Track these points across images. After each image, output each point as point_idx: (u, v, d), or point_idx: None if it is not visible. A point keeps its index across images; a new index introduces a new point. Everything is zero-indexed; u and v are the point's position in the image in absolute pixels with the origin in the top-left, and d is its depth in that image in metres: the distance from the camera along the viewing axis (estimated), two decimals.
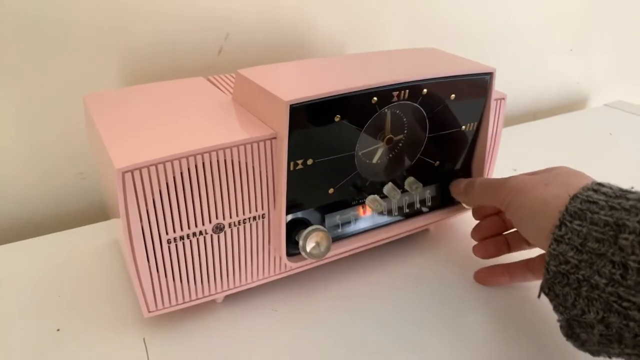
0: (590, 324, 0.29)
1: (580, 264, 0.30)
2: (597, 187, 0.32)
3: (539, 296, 0.33)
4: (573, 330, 0.31)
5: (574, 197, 0.31)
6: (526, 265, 0.41)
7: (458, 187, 0.44)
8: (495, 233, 0.43)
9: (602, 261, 0.29)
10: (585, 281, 0.29)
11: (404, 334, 0.38)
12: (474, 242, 0.45)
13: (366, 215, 0.42)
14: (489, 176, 0.48)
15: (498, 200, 0.38)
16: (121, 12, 0.50)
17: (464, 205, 0.45)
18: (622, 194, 0.31)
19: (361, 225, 0.42)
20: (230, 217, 0.36)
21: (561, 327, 0.32)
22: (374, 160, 0.40)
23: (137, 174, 0.31)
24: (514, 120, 0.84)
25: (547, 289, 0.32)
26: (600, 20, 0.88)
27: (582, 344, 0.31)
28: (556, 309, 0.32)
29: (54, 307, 0.40)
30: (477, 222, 0.45)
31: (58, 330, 0.38)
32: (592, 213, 0.30)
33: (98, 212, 0.56)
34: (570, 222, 0.31)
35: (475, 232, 0.44)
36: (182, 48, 0.55)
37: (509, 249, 0.43)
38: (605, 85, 0.97)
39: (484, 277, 0.43)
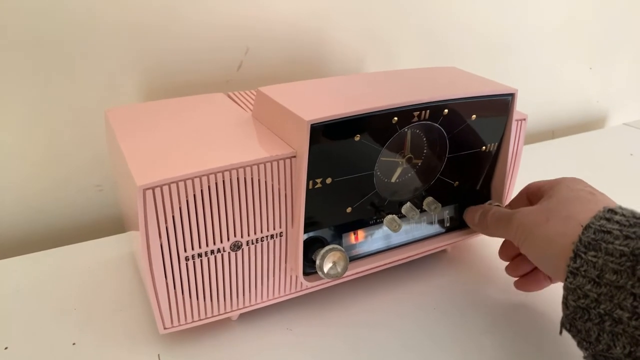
0: (618, 358, 0.28)
1: (599, 298, 0.29)
2: (610, 216, 0.31)
3: (560, 333, 0.32)
4: None
5: (587, 227, 0.31)
6: None
7: (472, 218, 0.43)
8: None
9: (622, 294, 0.28)
10: (607, 315, 0.29)
11: (422, 356, 0.37)
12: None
13: (383, 235, 0.42)
14: (509, 196, 0.47)
15: (510, 237, 0.38)
16: (142, 25, 0.51)
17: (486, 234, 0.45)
18: (637, 222, 0.30)
19: (378, 245, 0.42)
20: (248, 235, 0.35)
21: None
22: (393, 180, 0.40)
23: (157, 191, 0.31)
24: (532, 138, 0.84)
25: (568, 325, 0.31)
26: (620, 38, 0.87)
27: None
28: (580, 344, 0.31)
29: (69, 320, 0.40)
30: (502, 241, 0.43)
31: (74, 344, 0.38)
32: (606, 243, 0.29)
33: (115, 225, 0.56)
34: (585, 253, 0.30)
35: (502, 251, 0.43)
36: (202, 62, 0.55)
37: None
38: (624, 104, 0.96)
39: (526, 284, 0.42)
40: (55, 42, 0.48)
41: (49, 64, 0.48)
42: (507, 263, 0.43)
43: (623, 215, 0.31)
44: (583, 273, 0.30)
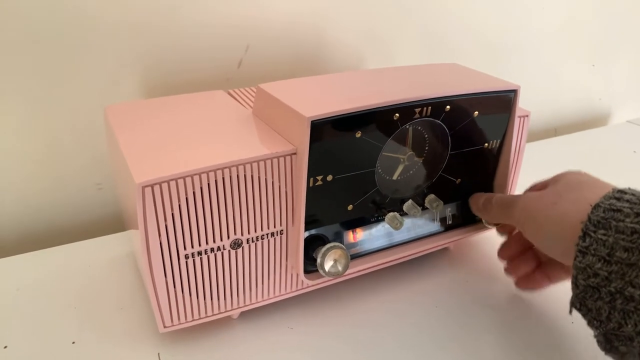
0: (629, 336, 0.28)
1: (610, 276, 0.28)
2: (620, 195, 0.31)
3: (570, 312, 0.31)
4: (612, 344, 0.30)
5: (596, 206, 0.30)
6: (561, 266, 0.40)
7: (477, 202, 0.43)
8: (522, 248, 0.42)
9: (633, 271, 0.28)
10: (618, 293, 0.28)
11: (422, 355, 0.37)
12: (494, 262, 0.43)
13: (385, 233, 0.42)
14: (511, 193, 0.47)
15: (513, 220, 0.38)
16: (142, 22, 0.51)
17: (485, 224, 0.44)
18: None
19: (380, 242, 0.42)
20: (249, 233, 0.35)
21: (598, 341, 0.31)
22: (395, 177, 0.39)
23: (157, 188, 0.31)
24: (534, 135, 0.83)
25: (578, 304, 0.31)
26: (623, 35, 0.86)
27: (621, 357, 0.30)
28: (590, 323, 0.31)
29: (69, 319, 0.40)
30: (503, 241, 0.43)
31: (73, 343, 0.38)
32: (617, 221, 0.29)
33: (115, 223, 0.56)
34: (594, 231, 0.29)
35: (502, 251, 0.43)
36: (203, 60, 0.55)
37: (540, 262, 0.41)
38: (628, 102, 0.95)
39: (526, 284, 0.42)
40: (56, 41, 0.48)
41: (49, 63, 0.48)
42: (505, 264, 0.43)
43: (633, 194, 0.30)
44: (593, 252, 0.29)
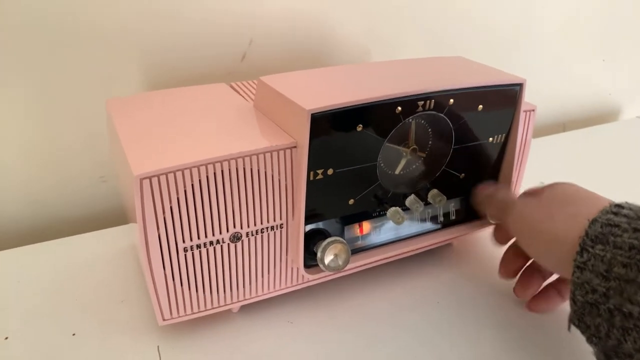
0: (629, 353, 0.28)
1: (608, 292, 0.28)
2: (617, 210, 0.30)
3: (569, 329, 0.31)
4: None
5: (594, 221, 0.30)
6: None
7: (479, 195, 0.42)
8: (524, 261, 0.41)
9: (632, 287, 0.27)
10: (617, 310, 0.28)
11: (424, 350, 0.37)
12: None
13: (387, 227, 0.41)
14: (516, 189, 0.46)
15: (507, 224, 0.37)
16: (145, 16, 0.50)
17: (490, 220, 0.44)
18: None
19: (382, 237, 0.41)
20: (248, 227, 0.35)
21: (598, 359, 0.30)
22: (397, 172, 0.39)
23: (155, 180, 0.31)
24: (542, 131, 0.82)
25: (576, 321, 0.30)
26: (633, 30, 0.85)
27: None
28: (589, 340, 0.30)
29: (70, 310, 0.40)
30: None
31: (74, 334, 0.38)
32: (614, 236, 0.28)
33: (118, 216, 0.56)
34: (592, 247, 0.29)
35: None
36: (206, 53, 0.55)
37: (544, 277, 0.40)
38: (638, 97, 0.93)
39: (539, 305, 0.40)
40: (59, 37, 0.48)
41: (54, 59, 0.48)
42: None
43: (630, 209, 0.30)
44: (590, 267, 0.29)
